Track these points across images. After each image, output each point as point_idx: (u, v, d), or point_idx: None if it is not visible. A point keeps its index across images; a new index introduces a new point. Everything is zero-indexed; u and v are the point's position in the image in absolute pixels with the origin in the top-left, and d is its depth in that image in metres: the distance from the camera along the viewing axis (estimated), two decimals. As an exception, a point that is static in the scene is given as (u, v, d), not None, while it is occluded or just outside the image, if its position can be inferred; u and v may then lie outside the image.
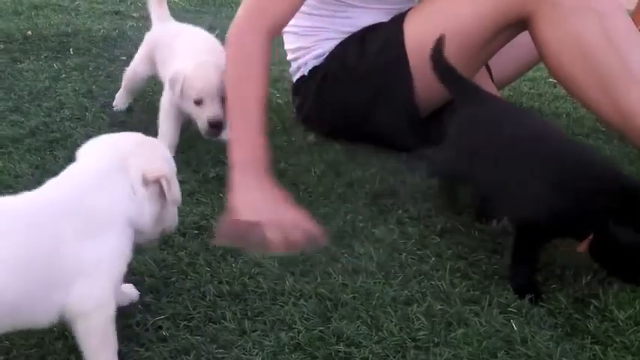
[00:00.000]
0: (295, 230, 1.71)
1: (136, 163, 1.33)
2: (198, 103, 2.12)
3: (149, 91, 2.68)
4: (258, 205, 1.77)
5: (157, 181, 1.33)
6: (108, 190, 1.29)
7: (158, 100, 2.59)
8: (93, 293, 1.24)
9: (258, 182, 1.82)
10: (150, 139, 1.43)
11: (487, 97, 1.90)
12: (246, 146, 1.88)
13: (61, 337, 1.38)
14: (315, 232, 1.73)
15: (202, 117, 2.13)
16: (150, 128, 2.34)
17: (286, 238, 1.69)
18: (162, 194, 1.35)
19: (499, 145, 1.71)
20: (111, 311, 1.26)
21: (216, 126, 2.13)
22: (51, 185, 1.30)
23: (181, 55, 2.24)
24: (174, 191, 1.37)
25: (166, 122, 2.23)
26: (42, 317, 1.23)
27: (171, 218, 1.43)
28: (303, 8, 2.33)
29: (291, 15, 2.11)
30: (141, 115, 2.45)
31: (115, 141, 1.39)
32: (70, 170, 1.33)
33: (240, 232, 1.71)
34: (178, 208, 1.45)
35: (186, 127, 2.26)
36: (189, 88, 2.12)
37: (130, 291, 1.50)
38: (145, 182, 1.33)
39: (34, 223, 1.21)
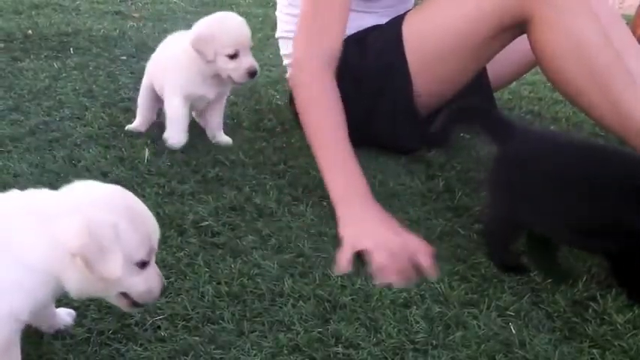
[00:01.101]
0: (404, 255, 1.69)
1: (63, 228, 1.18)
2: (233, 56, 2.17)
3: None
4: (367, 232, 1.76)
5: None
6: (33, 235, 1.19)
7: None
8: None
9: (364, 212, 1.84)
10: (113, 194, 1.27)
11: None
12: (342, 180, 1.91)
13: (59, 337, 1.38)
14: (425, 259, 1.70)
15: (240, 69, 2.18)
16: (151, 128, 2.35)
17: (396, 264, 1.67)
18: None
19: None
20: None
21: (254, 74, 2.20)
22: None
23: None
24: (103, 268, 1.18)
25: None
26: None
27: (130, 288, 1.26)
28: (297, 12, 2.32)
29: (343, 34, 2.15)
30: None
31: (77, 192, 1.25)
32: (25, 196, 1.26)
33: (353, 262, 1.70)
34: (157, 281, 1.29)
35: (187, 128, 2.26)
36: (222, 44, 2.16)
37: (63, 314, 1.41)
38: (69, 253, 1.18)
39: None
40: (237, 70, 2.18)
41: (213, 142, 2.32)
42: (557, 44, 2.04)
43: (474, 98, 2.23)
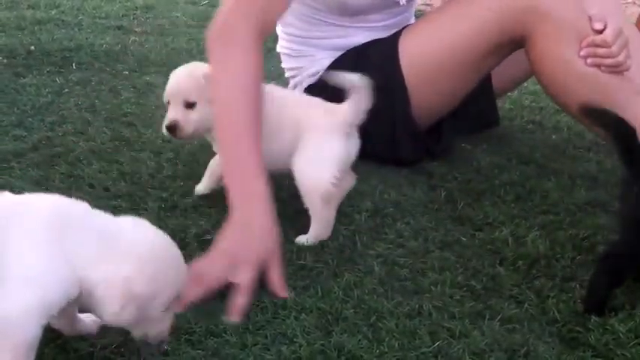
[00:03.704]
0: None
1: (125, 270, 1.26)
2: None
3: (151, 106, 2.69)
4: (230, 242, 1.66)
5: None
6: (90, 246, 1.26)
7: (161, 114, 2.60)
8: (15, 306, 1.20)
9: (248, 219, 1.69)
10: (163, 242, 1.36)
11: None
12: (241, 181, 1.76)
13: (62, 352, 1.38)
14: (275, 282, 1.61)
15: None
16: (153, 142, 2.36)
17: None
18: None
19: None
20: (25, 334, 1.21)
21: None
22: (56, 199, 1.33)
23: None
24: (146, 312, 1.29)
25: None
26: None
27: (153, 330, 1.35)
28: (294, 31, 2.33)
29: (284, 10, 2.03)
30: (142, 130, 2.46)
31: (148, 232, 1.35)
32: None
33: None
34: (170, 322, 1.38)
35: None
36: None
37: (88, 321, 1.43)
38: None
39: None
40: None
41: None
42: (558, 59, 2.05)
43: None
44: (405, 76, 2.22)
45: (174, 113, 1.97)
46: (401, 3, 2.30)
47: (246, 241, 1.65)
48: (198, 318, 1.50)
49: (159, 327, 1.35)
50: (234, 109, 1.82)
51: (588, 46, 2.00)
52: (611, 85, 2.01)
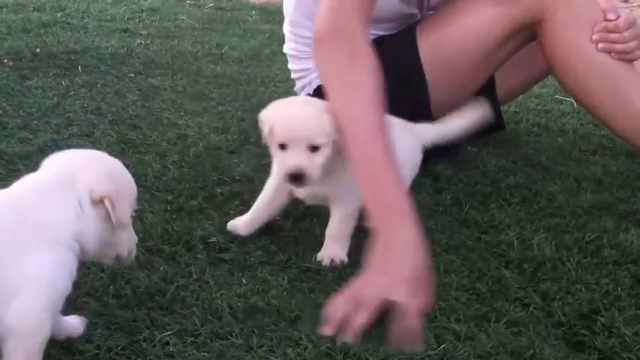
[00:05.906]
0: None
1: (84, 179, 1.31)
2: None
3: (156, 109, 2.70)
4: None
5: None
6: (54, 205, 1.29)
7: (167, 117, 2.62)
8: (31, 310, 1.22)
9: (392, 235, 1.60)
10: (103, 155, 1.42)
11: None
12: (375, 196, 1.65)
13: (68, 353, 1.39)
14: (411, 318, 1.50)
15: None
16: (159, 145, 2.36)
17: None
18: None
19: None
20: (44, 333, 1.24)
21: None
22: None
23: None
24: (120, 213, 1.32)
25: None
26: None
27: (123, 244, 1.39)
28: (303, 32, 2.32)
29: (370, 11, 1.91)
30: (147, 132, 2.46)
31: (66, 157, 1.39)
32: (19, 184, 1.34)
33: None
34: (134, 235, 1.43)
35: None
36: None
37: (74, 322, 1.44)
38: (92, 200, 1.31)
39: None
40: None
41: None
42: (569, 44, 2.06)
43: None
44: (425, 71, 2.22)
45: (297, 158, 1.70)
46: (418, 15, 2.32)
47: (396, 257, 1.57)
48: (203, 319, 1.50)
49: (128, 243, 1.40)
50: (362, 125, 1.70)
51: (600, 31, 2.02)
52: (620, 73, 2.04)
